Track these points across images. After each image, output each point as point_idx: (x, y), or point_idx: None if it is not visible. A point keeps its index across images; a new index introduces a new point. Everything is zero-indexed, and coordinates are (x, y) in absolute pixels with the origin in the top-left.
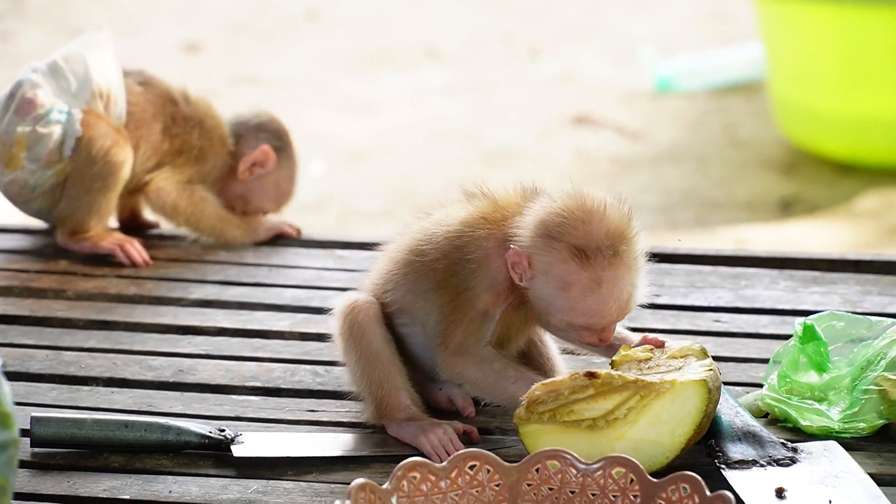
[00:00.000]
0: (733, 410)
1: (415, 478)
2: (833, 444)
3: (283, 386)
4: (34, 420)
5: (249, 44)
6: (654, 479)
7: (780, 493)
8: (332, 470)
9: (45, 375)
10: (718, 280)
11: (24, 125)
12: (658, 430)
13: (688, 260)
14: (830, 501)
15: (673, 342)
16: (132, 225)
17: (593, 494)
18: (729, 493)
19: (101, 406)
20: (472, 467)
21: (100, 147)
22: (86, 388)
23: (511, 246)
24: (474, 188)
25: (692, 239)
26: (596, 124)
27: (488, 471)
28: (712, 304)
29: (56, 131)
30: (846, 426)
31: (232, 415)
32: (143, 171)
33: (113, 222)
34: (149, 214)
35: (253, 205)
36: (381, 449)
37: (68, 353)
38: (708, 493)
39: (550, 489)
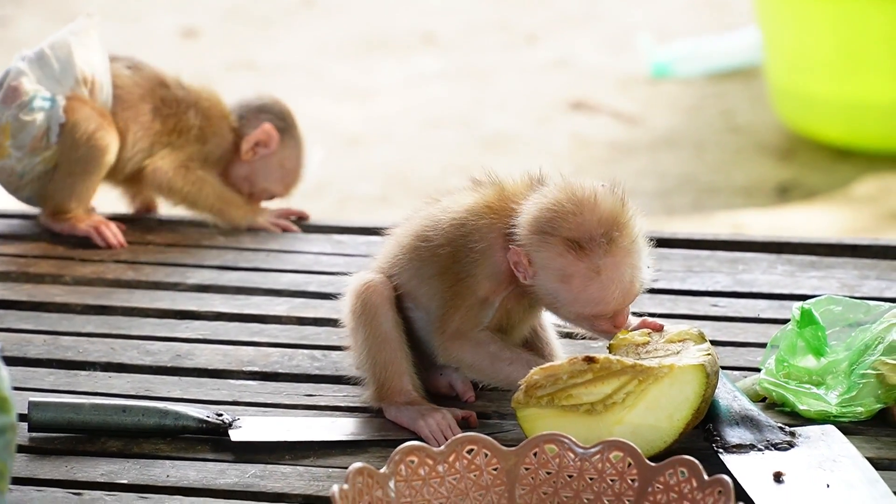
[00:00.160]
0: (731, 395)
1: (412, 462)
2: (831, 428)
3: (280, 370)
4: (32, 405)
5: (246, 30)
6: (652, 464)
7: (777, 477)
8: (330, 454)
9: (43, 360)
10: (716, 265)
11: (9, 113)
12: (656, 415)
13: (685, 245)
14: (828, 485)
15: (671, 326)
16: (147, 216)
17: (591, 479)
18: (726, 477)
19: (99, 391)
20: (469, 451)
21: (83, 131)
22: (83, 372)
23: (511, 244)
24: (482, 175)
25: (690, 224)
26: (593, 110)
27: (486, 455)
28: (710, 289)
29: (39, 118)
30: (844, 410)
31: (230, 399)
32: (138, 153)
33: (109, 210)
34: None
35: (259, 186)
36: (379, 433)
37: (66, 337)
38: (706, 477)
39: (548, 473)
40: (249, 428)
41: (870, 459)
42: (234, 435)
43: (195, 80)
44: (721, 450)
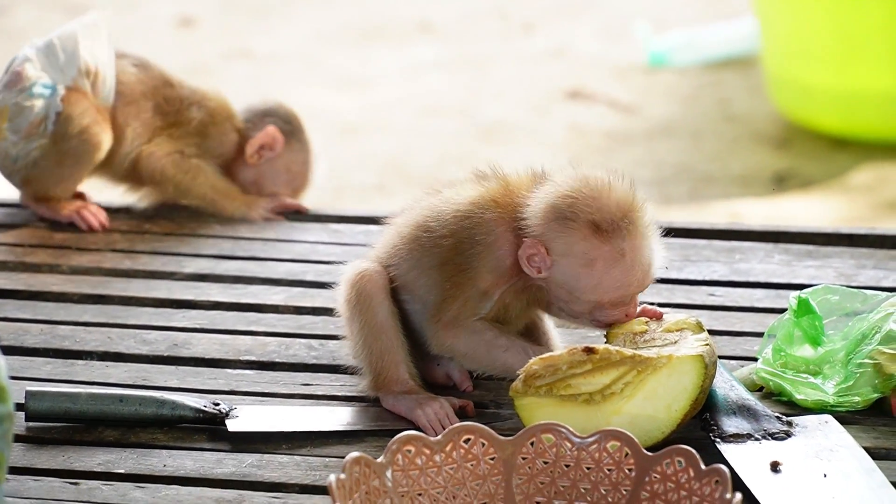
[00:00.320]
0: (728, 384)
1: (409, 451)
2: (828, 417)
3: (277, 360)
4: (29, 394)
5: (243, 18)
6: (649, 453)
7: (774, 466)
8: (327, 444)
9: (40, 349)
10: (713, 254)
11: (10, 97)
12: (654, 405)
13: (682, 233)
14: (825, 475)
15: (668, 315)
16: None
17: (588, 468)
18: (723, 467)
19: (96, 380)
20: (466, 441)
21: (77, 124)
22: (80, 362)
23: (519, 237)
24: (486, 169)
25: (686, 213)
26: (590, 99)
27: (483, 444)
28: (707, 278)
29: (38, 105)
30: (841, 400)
31: (226, 389)
32: (137, 149)
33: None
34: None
35: (266, 190)
36: (376, 423)
37: (63, 327)
38: (703, 466)
39: (545, 463)
40: (246, 418)
41: (867, 449)
42: (231, 425)
43: (201, 82)
44: (718, 439)
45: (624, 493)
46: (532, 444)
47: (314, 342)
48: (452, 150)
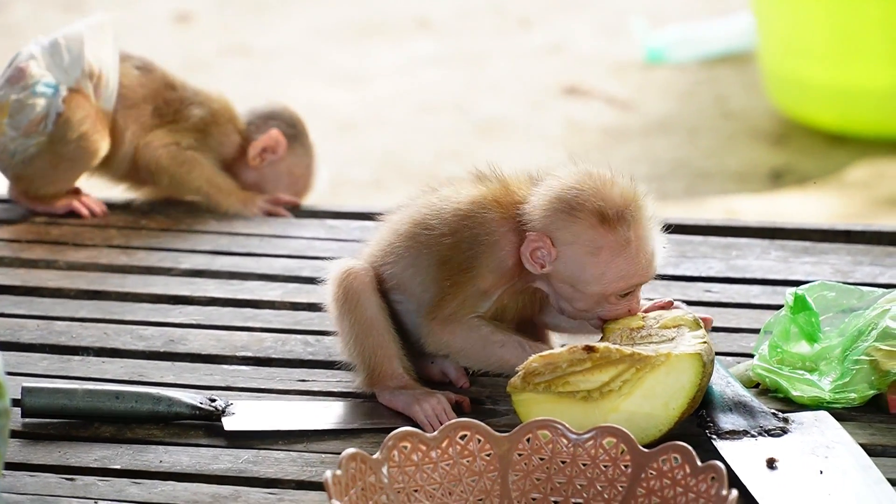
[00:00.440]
0: (724, 381)
1: (405, 448)
2: (824, 414)
3: (274, 356)
4: (25, 390)
5: (240, 14)
6: (645, 450)
7: (770, 463)
8: (323, 440)
9: (37, 345)
10: (709, 250)
11: (12, 93)
12: (652, 403)
13: (678, 230)
14: (821, 472)
15: (665, 311)
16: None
17: (584, 464)
18: (720, 463)
19: (93, 376)
20: (463, 437)
21: (76, 128)
22: (77, 358)
23: (521, 234)
24: (486, 170)
25: (683, 209)
26: (586, 95)
27: (479, 441)
28: (703, 275)
29: (40, 103)
30: (837, 396)
31: (223, 384)
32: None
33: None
34: None
35: (268, 192)
36: (372, 419)
37: (59, 323)
38: (699, 463)
39: (541, 459)
40: (242, 415)
41: (863, 445)
42: (227, 423)
43: (198, 78)
44: (714, 436)
45: (620, 489)
46: (528, 440)
47: (310, 338)
48: (449, 146)
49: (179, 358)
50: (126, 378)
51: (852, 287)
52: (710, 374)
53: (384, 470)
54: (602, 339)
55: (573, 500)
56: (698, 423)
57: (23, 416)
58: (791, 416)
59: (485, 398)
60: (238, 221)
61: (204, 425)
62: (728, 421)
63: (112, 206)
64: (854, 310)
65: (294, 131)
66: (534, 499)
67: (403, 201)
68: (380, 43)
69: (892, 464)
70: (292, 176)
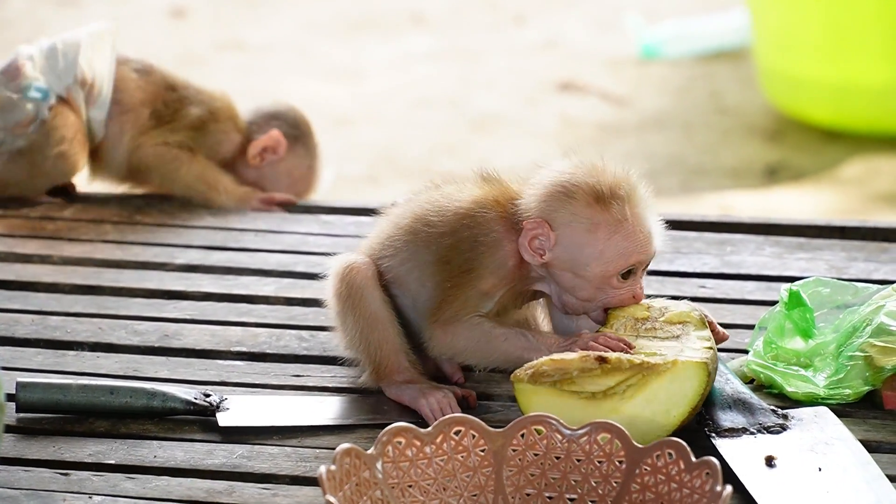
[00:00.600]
0: (723, 378)
1: (400, 443)
2: (824, 410)
3: (268, 351)
4: (20, 385)
5: (235, 9)
6: (640, 445)
7: (769, 461)
8: (318, 435)
9: (31, 340)
10: (704, 246)
11: (6, 89)
12: (653, 409)
13: (673, 226)
14: (820, 469)
15: (669, 302)
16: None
17: (578, 460)
18: (714, 459)
19: (87, 371)
20: (457, 433)
21: (56, 141)
22: (71, 352)
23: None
24: (488, 172)
25: (677, 205)
26: (581, 91)
27: (474, 436)
28: (698, 270)
29: (29, 107)
30: (832, 392)
31: (217, 380)
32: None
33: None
34: None
35: (268, 192)
36: (367, 415)
37: (54, 317)
38: (693, 458)
39: (535, 455)
40: (237, 410)
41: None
42: (222, 419)
43: (193, 73)
44: (713, 434)
45: (614, 485)
46: (522, 435)
47: (305, 333)
48: (444, 142)
49: (174, 353)
50: (121, 373)
51: (847, 283)
52: (713, 381)
53: (378, 465)
54: (606, 327)
55: (567, 496)
56: (697, 420)
57: (17, 410)
58: (791, 412)
59: (479, 394)
60: (233, 217)
61: (198, 420)
62: (727, 419)
63: (106, 201)
64: (849, 306)
65: (296, 132)
66: (528, 494)
67: (406, 195)
68: (374, 38)
69: (887, 460)
70: (292, 177)
